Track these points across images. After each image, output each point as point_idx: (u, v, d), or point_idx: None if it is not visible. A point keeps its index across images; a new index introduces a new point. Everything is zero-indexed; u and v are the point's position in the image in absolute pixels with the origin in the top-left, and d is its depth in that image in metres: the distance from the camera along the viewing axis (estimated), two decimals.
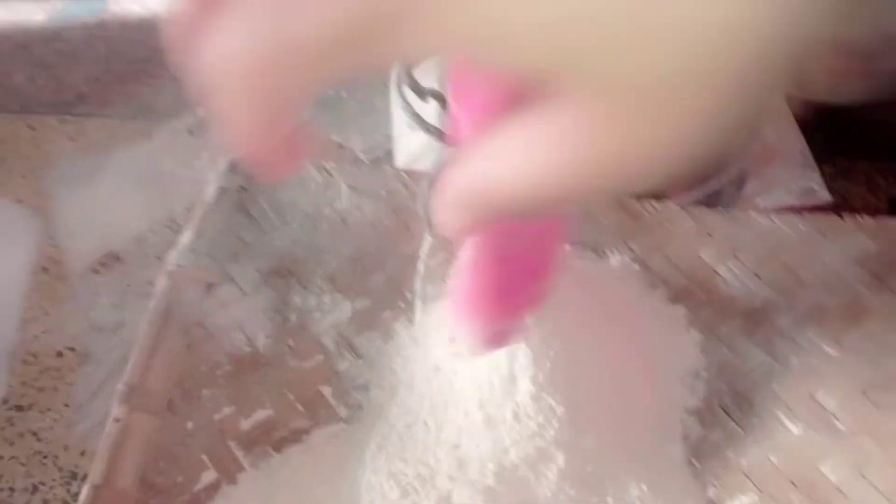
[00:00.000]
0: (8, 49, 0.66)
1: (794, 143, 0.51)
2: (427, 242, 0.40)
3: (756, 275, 0.43)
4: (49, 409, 0.43)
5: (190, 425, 0.40)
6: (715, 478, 0.39)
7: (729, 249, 0.44)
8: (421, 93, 0.30)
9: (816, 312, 0.42)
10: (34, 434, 0.42)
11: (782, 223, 0.44)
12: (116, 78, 0.68)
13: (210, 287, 0.44)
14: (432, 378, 0.41)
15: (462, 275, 0.31)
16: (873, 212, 0.45)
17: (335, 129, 0.57)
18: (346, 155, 0.58)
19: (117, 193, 0.48)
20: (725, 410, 0.41)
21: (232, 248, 0.45)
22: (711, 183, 0.47)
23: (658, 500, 0.37)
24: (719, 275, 0.43)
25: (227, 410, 0.41)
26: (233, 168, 0.48)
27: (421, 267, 0.45)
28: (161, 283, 0.43)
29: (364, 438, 0.41)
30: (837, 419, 0.39)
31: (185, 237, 0.45)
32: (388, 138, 0.57)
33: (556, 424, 0.37)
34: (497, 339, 0.34)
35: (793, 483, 0.38)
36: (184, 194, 0.49)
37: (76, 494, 0.41)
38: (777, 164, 0.51)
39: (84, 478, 0.38)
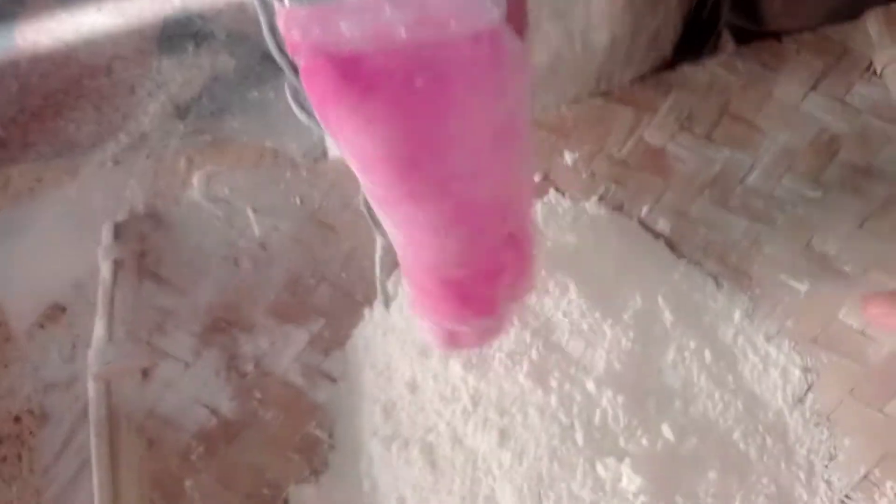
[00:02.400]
0: None
1: None
2: (378, 243, 0.36)
3: (708, 138, 0.39)
4: (15, 479, 0.39)
5: None
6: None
7: (672, 122, 0.39)
8: None
9: (785, 157, 0.38)
10: None
11: (720, 69, 0.39)
12: (33, 116, 0.63)
13: (147, 372, 0.39)
14: (407, 396, 0.37)
15: (411, 274, 0.28)
16: None
17: (267, 134, 0.51)
18: (282, 161, 0.52)
19: (50, 240, 0.43)
20: (721, 289, 0.37)
21: (154, 320, 0.40)
22: None
23: None
24: (669, 153, 0.39)
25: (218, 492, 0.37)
26: (119, 235, 0.42)
27: (378, 269, 0.40)
28: (91, 390, 0.38)
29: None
30: (842, 262, 0.36)
31: (97, 329, 0.39)
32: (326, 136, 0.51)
33: None
34: (455, 340, 0.31)
35: (815, 342, 0.35)
36: None
37: None
38: None
39: None
